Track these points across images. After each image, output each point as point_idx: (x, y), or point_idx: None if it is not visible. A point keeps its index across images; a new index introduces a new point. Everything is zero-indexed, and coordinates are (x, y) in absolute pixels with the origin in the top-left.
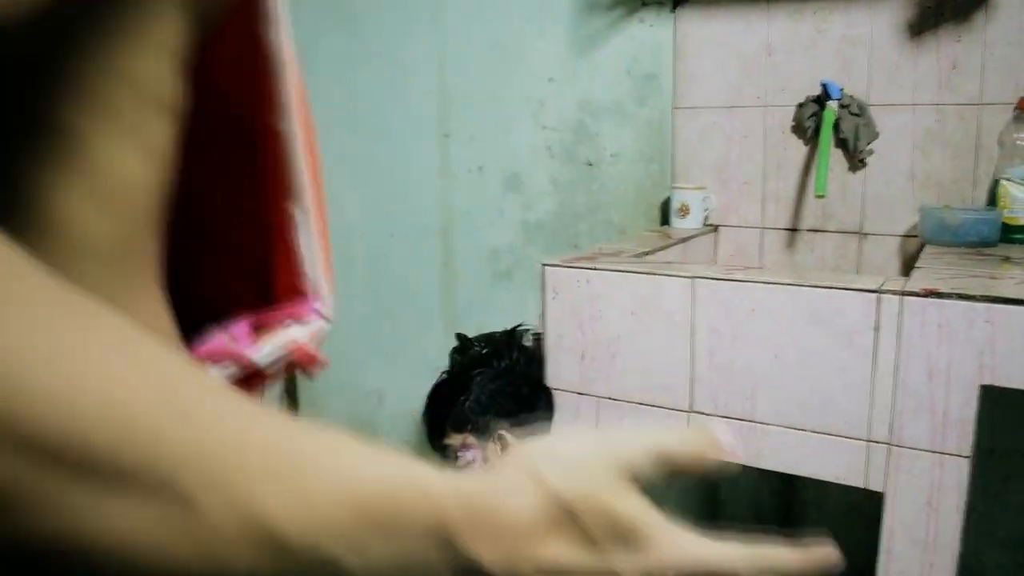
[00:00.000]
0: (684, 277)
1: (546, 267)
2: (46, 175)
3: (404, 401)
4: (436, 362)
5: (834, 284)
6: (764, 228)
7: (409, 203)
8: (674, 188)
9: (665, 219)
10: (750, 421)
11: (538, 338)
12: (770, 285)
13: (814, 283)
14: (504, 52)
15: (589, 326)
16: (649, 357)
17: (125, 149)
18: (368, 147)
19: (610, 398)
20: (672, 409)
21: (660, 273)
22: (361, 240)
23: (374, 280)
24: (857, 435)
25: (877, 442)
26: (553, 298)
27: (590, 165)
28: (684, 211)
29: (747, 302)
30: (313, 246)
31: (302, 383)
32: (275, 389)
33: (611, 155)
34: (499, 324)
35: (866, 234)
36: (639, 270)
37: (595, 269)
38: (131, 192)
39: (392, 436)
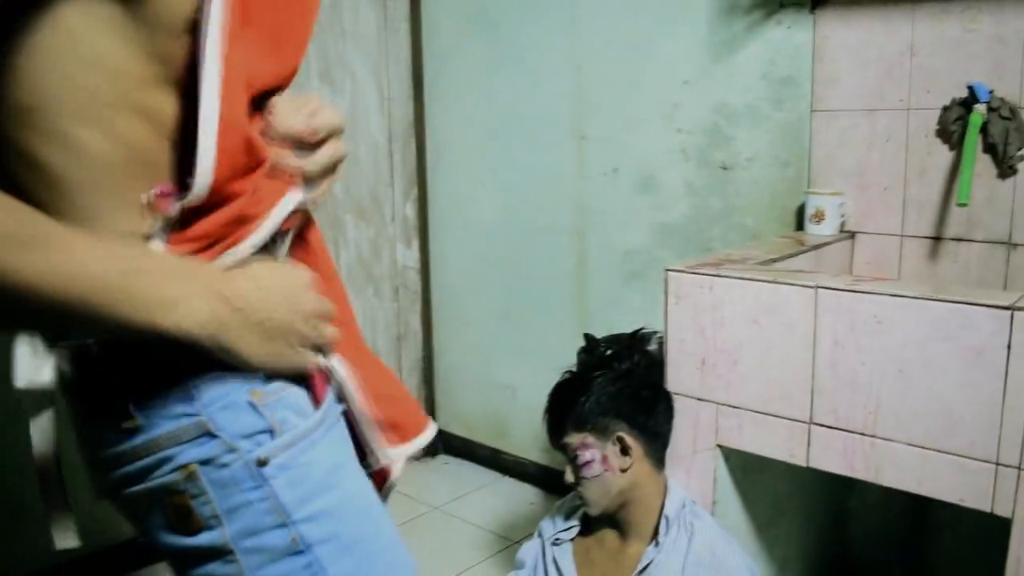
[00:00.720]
0: (807, 287)
1: (669, 272)
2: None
3: (537, 396)
4: (568, 359)
5: (963, 299)
6: (904, 236)
7: (545, 204)
8: (809, 193)
9: (800, 224)
10: (871, 436)
11: (662, 341)
12: (895, 298)
13: (942, 297)
14: (639, 55)
15: (711, 332)
16: (770, 365)
17: None
18: (506, 149)
19: (729, 405)
20: (792, 420)
21: (782, 282)
22: (498, 240)
23: (510, 278)
24: (985, 457)
25: (1007, 466)
26: (675, 303)
27: (725, 169)
28: (819, 217)
29: (871, 314)
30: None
31: (438, 377)
32: (414, 383)
33: (746, 159)
34: (630, 324)
35: (1015, 244)
36: (761, 278)
37: (718, 276)
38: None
39: (525, 430)
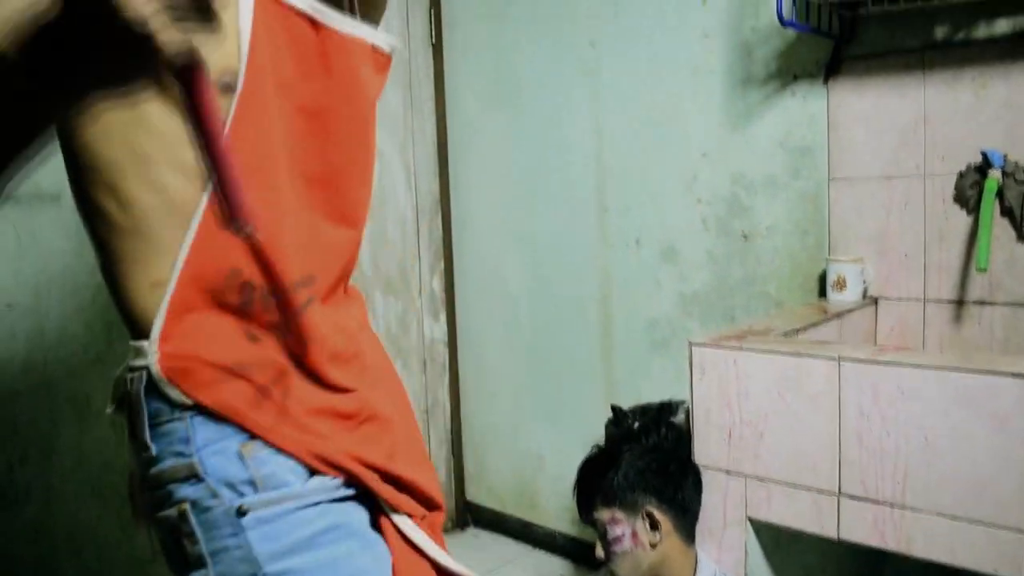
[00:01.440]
0: (829, 359)
1: (693, 346)
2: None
3: (565, 465)
4: (596, 428)
5: (986, 368)
6: (927, 300)
7: (569, 274)
8: (830, 260)
9: (823, 291)
10: (901, 507)
11: (688, 412)
12: (918, 368)
13: (964, 366)
14: (658, 128)
15: (736, 404)
16: (796, 437)
17: None
18: (530, 220)
19: (757, 478)
20: (821, 491)
21: (805, 354)
22: (524, 310)
23: (536, 348)
24: (1016, 525)
25: None
26: (700, 376)
27: (745, 238)
28: (841, 284)
29: (894, 384)
30: None
31: (467, 448)
32: (441, 455)
33: (766, 228)
34: (656, 392)
35: None
36: (784, 350)
37: (741, 349)
38: None
39: (554, 500)
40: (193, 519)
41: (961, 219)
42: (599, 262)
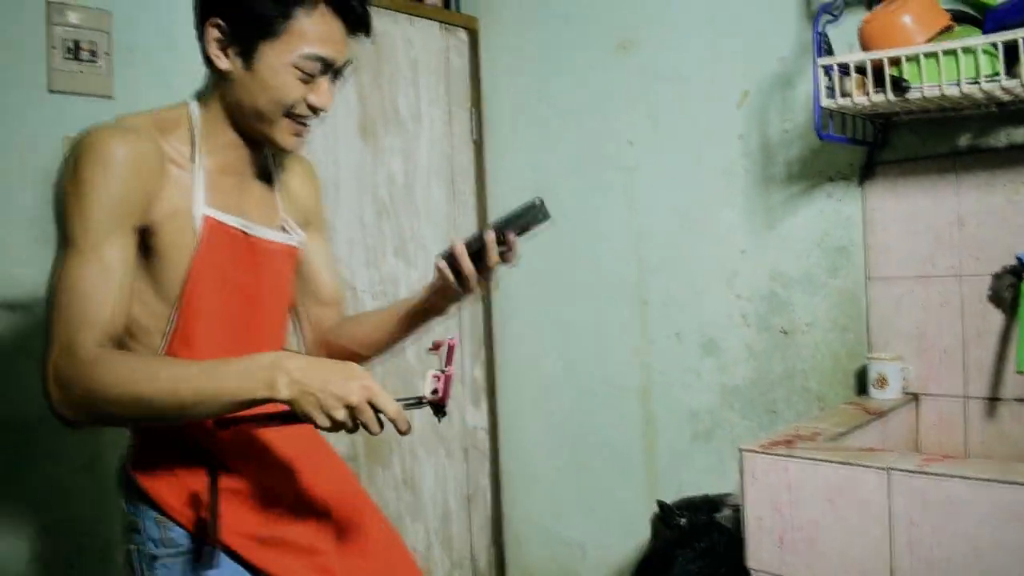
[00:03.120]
0: (879, 468)
1: (744, 452)
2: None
3: (606, 554)
4: (637, 518)
5: None
6: (967, 398)
7: (610, 365)
8: (870, 359)
9: (863, 386)
10: None
11: (737, 512)
12: (965, 480)
13: (1008, 479)
14: (696, 226)
15: (787, 510)
16: (848, 545)
17: None
18: (571, 312)
19: None
20: None
21: (854, 463)
22: (565, 399)
23: (577, 437)
24: None
25: None
26: (752, 482)
27: (785, 333)
28: (882, 382)
29: (943, 495)
30: None
31: (507, 536)
32: (482, 549)
33: (806, 324)
34: (699, 483)
35: None
36: (833, 459)
37: (791, 457)
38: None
39: None
40: (134, 557)
41: (998, 318)
42: (639, 353)
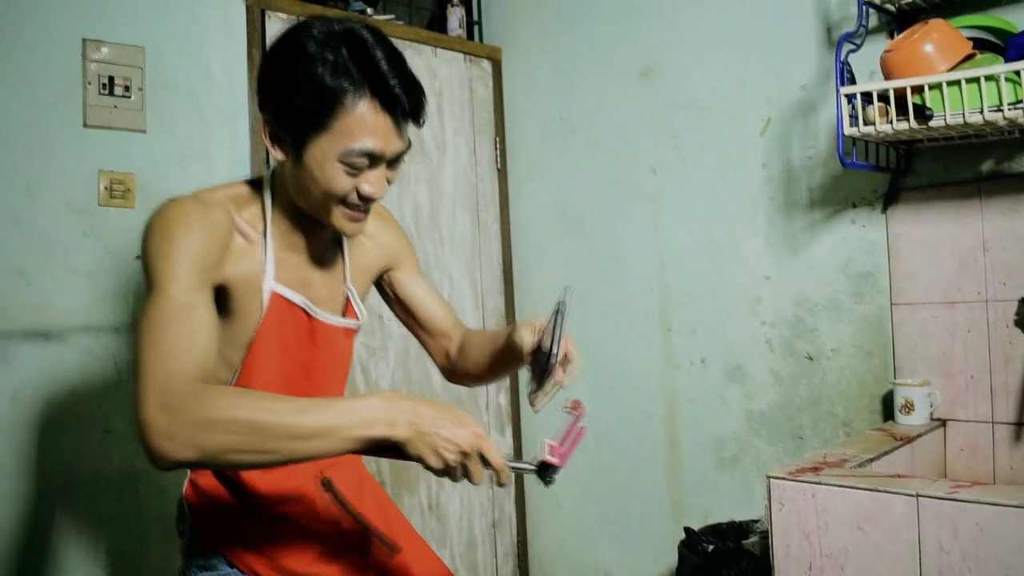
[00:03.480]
0: (907, 495)
1: (772, 479)
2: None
3: None
4: (663, 544)
5: None
6: (995, 423)
7: (635, 391)
8: (897, 384)
9: (889, 412)
10: None
11: (765, 539)
12: (995, 507)
13: None
14: (720, 251)
15: (816, 537)
16: (878, 572)
17: None
18: (595, 337)
19: None
20: None
21: (883, 490)
22: (590, 425)
23: (603, 463)
24: None
25: None
26: (779, 509)
27: (810, 359)
28: (909, 407)
29: (973, 521)
30: None
31: (532, 562)
32: (508, 562)
33: (831, 350)
34: (725, 510)
35: None
36: (862, 486)
37: (819, 484)
38: None
39: None
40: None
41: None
42: (665, 380)
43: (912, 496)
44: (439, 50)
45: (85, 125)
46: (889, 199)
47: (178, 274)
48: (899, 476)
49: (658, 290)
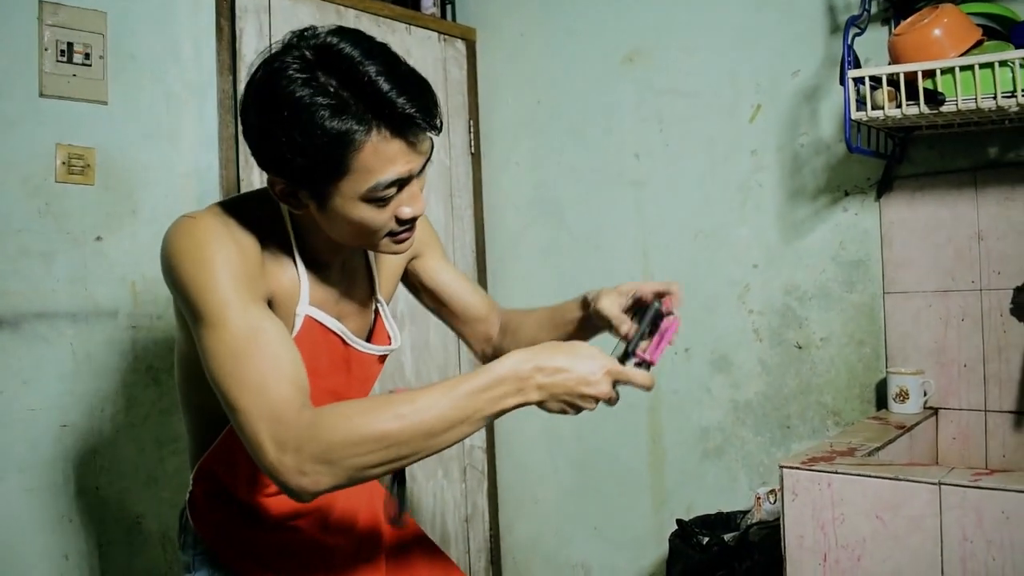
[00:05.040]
0: (930, 483)
1: (784, 469)
2: None
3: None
4: (644, 538)
5: None
6: (988, 411)
7: None
8: (891, 373)
9: (881, 401)
10: None
11: (762, 530)
12: (1021, 494)
13: None
14: (707, 239)
15: (831, 528)
16: (897, 562)
17: None
18: None
19: None
20: None
21: (904, 479)
22: (568, 416)
23: (581, 454)
24: None
25: None
26: (793, 499)
27: (799, 348)
28: (903, 396)
29: (998, 509)
30: None
31: (505, 558)
32: (480, 560)
33: (821, 339)
34: (710, 502)
35: None
36: (883, 475)
37: (836, 473)
38: None
39: None
40: None
41: (1019, 331)
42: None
43: (935, 484)
44: (413, 28)
45: (41, 95)
46: (883, 187)
47: (229, 298)
48: (916, 464)
49: (641, 278)
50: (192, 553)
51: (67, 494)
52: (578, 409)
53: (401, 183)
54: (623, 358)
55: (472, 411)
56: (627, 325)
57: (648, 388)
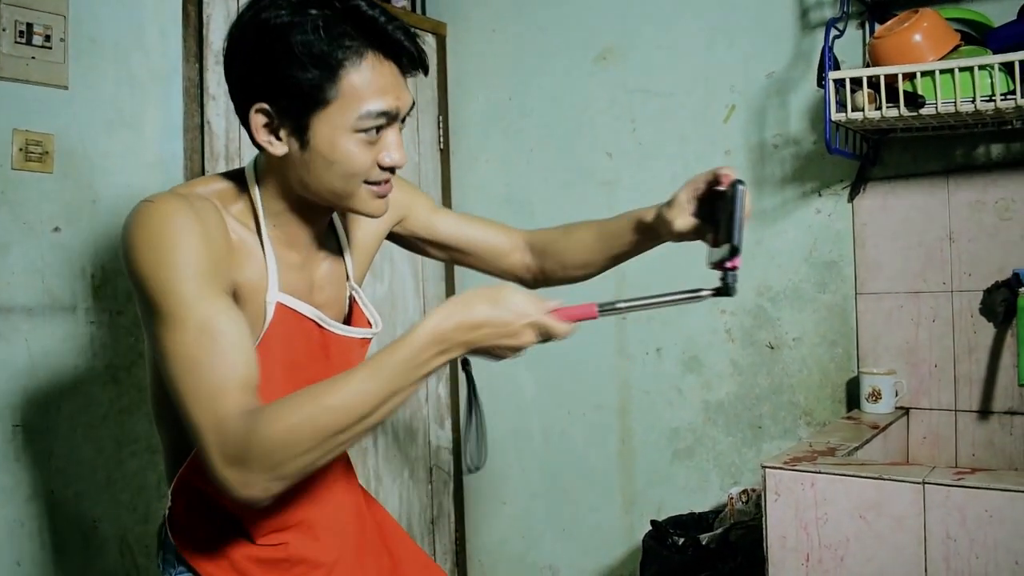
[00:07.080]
0: (914, 482)
1: (767, 468)
2: None
3: None
4: (612, 539)
5: None
6: (958, 411)
7: (585, 382)
8: (864, 373)
9: (853, 401)
10: None
11: (738, 528)
12: (1004, 492)
13: None
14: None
15: (814, 529)
16: (881, 562)
17: None
18: None
19: None
20: None
21: (887, 478)
22: (536, 417)
23: (550, 456)
24: None
25: None
26: (775, 500)
27: (771, 348)
28: (875, 396)
29: (981, 508)
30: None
31: (471, 560)
32: (447, 557)
33: (792, 339)
34: (680, 502)
35: None
36: (867, 475)
37: (819, 472)
38: None
39: None
40: None
41: (989, 332)
42: (617, 371)
43: (919, 483)
44: None
45: None
46: (856, 188)
47: (186, 296)
48: (897, 464)
49: (612, 277)
50: (173, 573)
51: (18, 497)
52: (501, 358)
53: (388, 118)
54: (730, 255)
55: (401, 383)
56: (710, 235)
57: (564, 337)
